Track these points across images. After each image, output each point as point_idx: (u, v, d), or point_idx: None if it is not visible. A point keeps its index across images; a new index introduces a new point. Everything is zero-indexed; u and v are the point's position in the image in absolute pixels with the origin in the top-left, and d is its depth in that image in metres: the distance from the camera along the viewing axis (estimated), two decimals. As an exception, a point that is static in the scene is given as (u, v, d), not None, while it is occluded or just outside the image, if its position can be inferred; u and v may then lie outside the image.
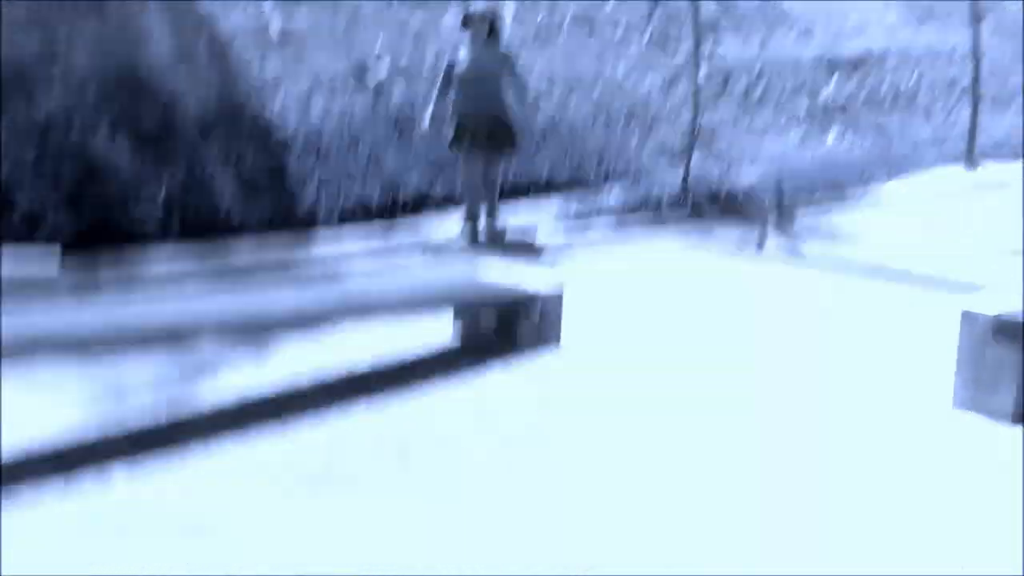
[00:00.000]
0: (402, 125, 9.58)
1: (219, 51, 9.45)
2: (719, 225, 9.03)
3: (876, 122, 12.63)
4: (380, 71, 10.09)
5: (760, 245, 8.32)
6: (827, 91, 12.79)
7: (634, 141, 10.74)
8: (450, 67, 8.45)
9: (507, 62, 8.49)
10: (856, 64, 13.38)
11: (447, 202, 8.97)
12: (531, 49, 11.11)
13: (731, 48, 12.53)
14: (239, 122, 8.88)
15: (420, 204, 8.94)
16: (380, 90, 9.94)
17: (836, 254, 8.09)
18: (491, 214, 8.43)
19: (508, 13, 11.34)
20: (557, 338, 5.84)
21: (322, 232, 8.27)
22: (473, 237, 8.37)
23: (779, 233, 8.75)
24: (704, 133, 11.22)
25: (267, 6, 10.09)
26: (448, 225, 8.67)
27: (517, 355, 5.62)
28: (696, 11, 10.33)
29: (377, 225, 8.57)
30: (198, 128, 8.54)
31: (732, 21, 12.70)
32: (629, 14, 12.31)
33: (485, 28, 8.43)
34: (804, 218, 9.33)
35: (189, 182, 8.14)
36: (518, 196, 9.23)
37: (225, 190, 8.14)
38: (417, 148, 9.38)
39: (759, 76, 12.48)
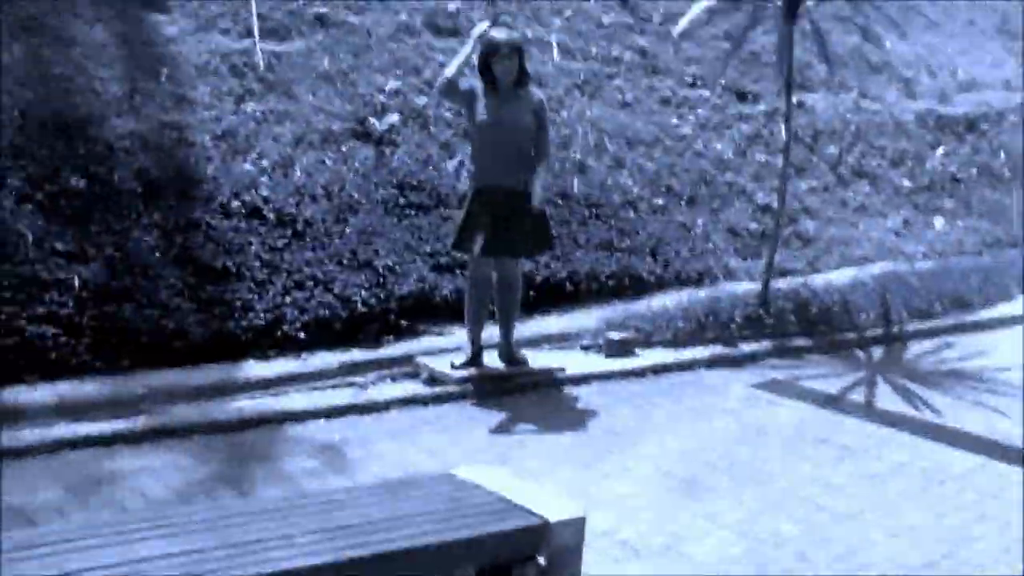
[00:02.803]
0: (409, 192, 7.54)
1: (178, 89, 7.44)
2: (808, 355, 6.89)
3: (994, 199, 10.41)
4: (388, 118, 8.06)
5: (868, 394, 6.16)
6: (935, 159, 10.58)
7: (700, 223, 8.62)
8: (486, 42, 6.03)
9: (541, 114, 6.14)
10: (968, 124, 11.15)
11: (458, 308, 6.94)
12: (576, 97, 9.04)
13: (820, 101, 10.36)
14: (189, 191, 6.81)
15: (422, 309, 6.89)
16: (385, 142, 7.91)
17: (972, 412, 5.92)
18: (507, 335, 6.31)
19: (552, 50, 9.26)
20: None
21: (274, 361, 6.14)
22: (477, 366, 6.14)
23: (887, 371, 6.59)
24: (786, 215, 9.08)
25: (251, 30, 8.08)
26: (455, 340, 6.63)
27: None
28: (787, 50, 7.45)
29: (359, 339, 6.54)
30: (130, 201, 6.52)
31: (822, 68, 10.50)
32: (700, 54, 10.15)
33: (515, 64, 5.99)
34: (920, 349, 7.18)
35: (102, 280, 6.07)
36: (543, 303, 7.14)
37: (157, 292, 6.11)
38: (427, 224, 7.36)
39: (854, 138, 10.31)
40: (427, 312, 6.93)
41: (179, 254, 6.41)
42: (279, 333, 6.34)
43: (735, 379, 6.30)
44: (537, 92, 6.35)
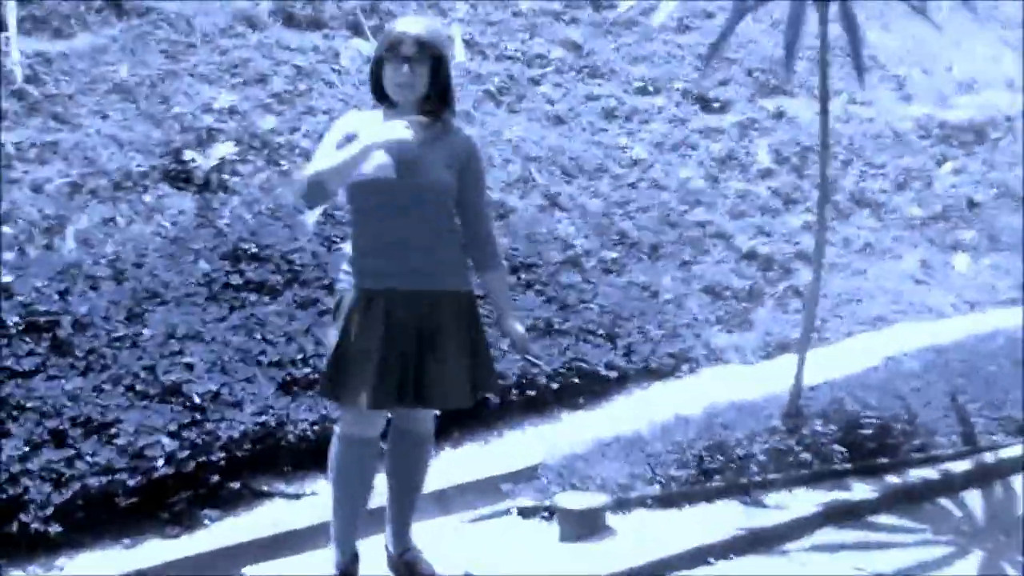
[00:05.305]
0: (246, 265, 4.96)
1: None
2: (874, 514, 4.46)
3: (1020, 228, 8.26)
4: (217, 149, 5.46)
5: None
6: (944, 178, 8.39)
7: (668, 282, 6.23)
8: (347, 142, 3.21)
9: (472, 167, 3.38)
10: (976, 133, 9.00)
11: (323, 449, 4.37)
12: (489, 110, 6.57)
13: (804, 109, 8.05)
14: None
15: (266, 457, 4.31)
16: (212, 187, 5.31)
17: None
18: (405, 529, 3.74)
19: (455, 45, 6.78)
20: None
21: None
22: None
23: (1008, 547, 4.17)
24: (776, 263, 6.82)
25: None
26: (321, 508, 4.06)
27: None
28: (823, 41, 4.68)
29: (163, 522, 3.94)
30: None
31: (804, 67, 8.17)
32: (650, 50, 7.77)
33: (423, 74, 3.24)
34: None
35: None
36: (450, 427, 4.64)
37: None
38: (273, 316, 4.79)
39: (848, 155, 8.04)
40: (274, 461, 4.39)
41: None
42: (15, 527, 3.73)
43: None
44: (464, 131, 3.53)
